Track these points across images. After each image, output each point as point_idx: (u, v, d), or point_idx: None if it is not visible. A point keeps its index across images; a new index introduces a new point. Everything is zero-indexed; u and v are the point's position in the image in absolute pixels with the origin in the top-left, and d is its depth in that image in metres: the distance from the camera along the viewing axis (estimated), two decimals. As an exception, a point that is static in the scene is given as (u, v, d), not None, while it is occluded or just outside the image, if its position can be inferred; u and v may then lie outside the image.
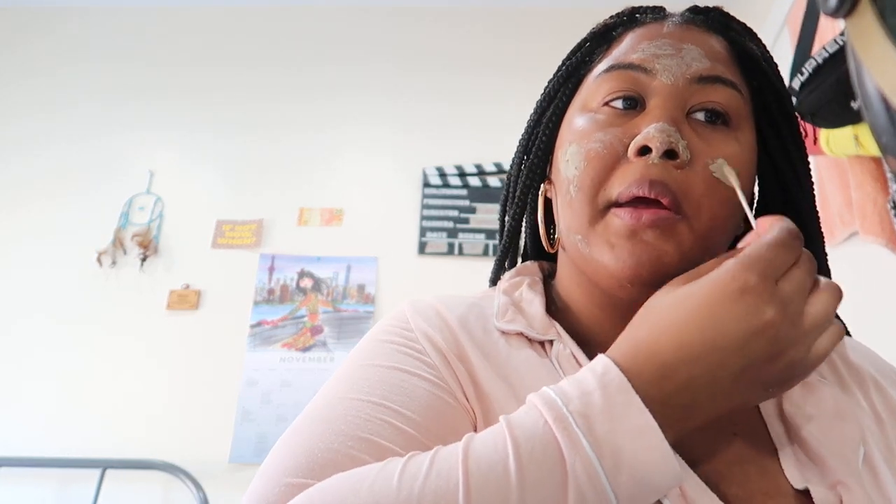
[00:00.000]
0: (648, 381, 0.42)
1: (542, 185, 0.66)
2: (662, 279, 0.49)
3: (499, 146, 2.74)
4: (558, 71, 0.66)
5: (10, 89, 3.00)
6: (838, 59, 1.36)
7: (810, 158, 0.63)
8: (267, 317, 2.53)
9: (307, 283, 2.59)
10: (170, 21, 3.15)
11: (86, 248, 2.62)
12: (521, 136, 0.69)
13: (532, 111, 0.68)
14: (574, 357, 0.55)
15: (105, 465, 2.19)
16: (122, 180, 2.78)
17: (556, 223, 0.63)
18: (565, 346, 0.56)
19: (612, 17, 0.64)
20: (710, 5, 0.63)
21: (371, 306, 2.55)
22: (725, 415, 0.49)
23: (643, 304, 0.48)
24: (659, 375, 0.42)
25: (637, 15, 0.63)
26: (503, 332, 0.58)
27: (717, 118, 0.56)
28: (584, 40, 0.65)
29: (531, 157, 0.65)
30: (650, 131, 0.51)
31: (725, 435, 0.53)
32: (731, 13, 0.64)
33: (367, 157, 2.86)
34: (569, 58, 0.66)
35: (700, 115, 0.55)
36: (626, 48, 0.59)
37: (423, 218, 2.71)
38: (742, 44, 0.61)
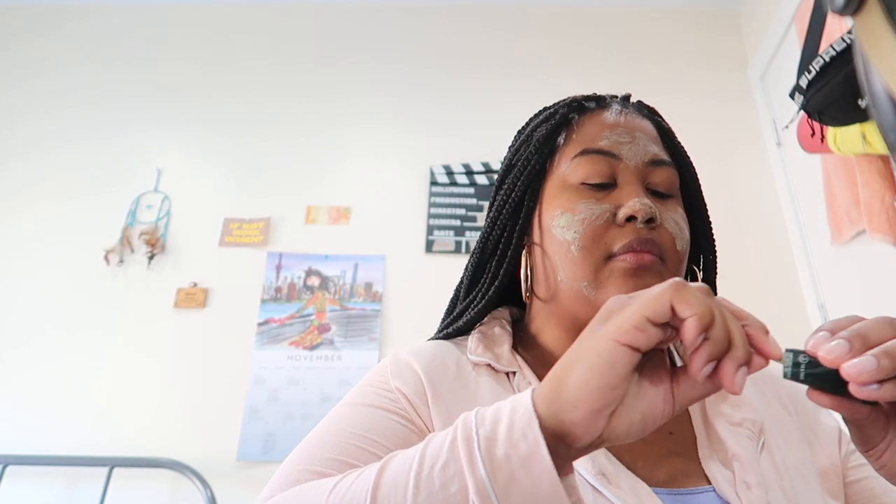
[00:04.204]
0: (546, 399, 0.46)
1: (522, 246, 0.79)
2: None
3: (506, 144, 2.71)
4: (524, 142, 0.84)
5: (18, 89, 3.01)
6: (846, 57, 1.36)
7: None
8: (274, 315, 2.53)
9: (314, 281, 2.59)
10: (177, 19, 3.17)
11: (93, 247, 2.63)
12: (497, 199, 0.82)
13: (500, 175, 0.85)
14: (531, 385, 0.67)
15: (112, 464, 2.19)
16: (130, 179, 2.79)
17: (536, 276, 0.77)
18: (524, 376, 0.71)
19: (562, 106, 0.80)
20: (626, 93, 0.83)
21: (378, 304, 2.55)
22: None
23: None
24: (551, 388, 0.46)
25: (584, 104, 0.80)
26: (474, 365, 0.73)
27: (666, 191, 0.74)
28: (539, 124, 0.82)
29: (521, 220, 0.78)
30: (635, 205, 0.68)
31: (663, 434, 0.68)
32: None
33: (375, 156, 2.86)
34: (533, 137, 0.82)
35: (655, 189, 0.73)
36: (591, 134, 0.76)
37: (431, 216, 2.71)
38: (660, 124, 0.80)
